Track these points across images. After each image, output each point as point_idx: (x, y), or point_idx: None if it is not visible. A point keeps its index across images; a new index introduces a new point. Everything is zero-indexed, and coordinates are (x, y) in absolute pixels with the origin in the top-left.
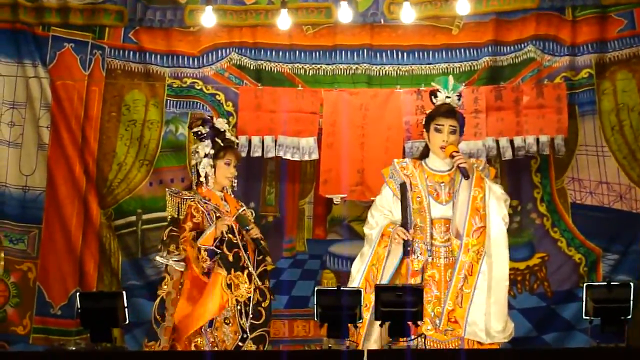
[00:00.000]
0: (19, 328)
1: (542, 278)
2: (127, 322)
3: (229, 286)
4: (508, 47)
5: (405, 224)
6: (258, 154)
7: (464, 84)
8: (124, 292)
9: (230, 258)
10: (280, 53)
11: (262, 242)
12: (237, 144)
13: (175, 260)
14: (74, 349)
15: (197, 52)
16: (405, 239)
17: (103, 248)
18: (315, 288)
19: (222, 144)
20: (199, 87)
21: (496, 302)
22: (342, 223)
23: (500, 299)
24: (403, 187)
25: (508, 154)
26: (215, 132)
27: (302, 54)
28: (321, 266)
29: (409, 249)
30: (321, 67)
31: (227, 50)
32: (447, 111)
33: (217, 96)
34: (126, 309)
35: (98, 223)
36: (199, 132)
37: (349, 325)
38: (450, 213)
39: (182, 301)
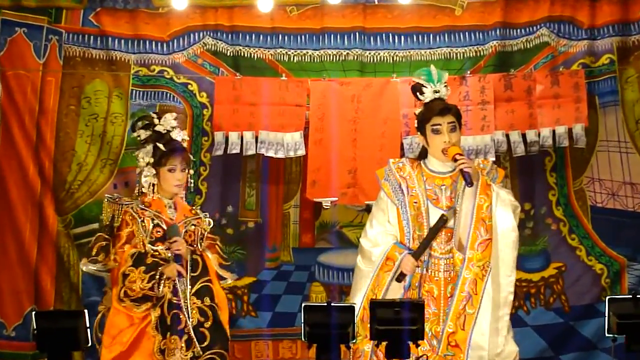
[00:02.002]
0: None
1: (558, 291)
2: (90, 344)
3: (161, 351)
4: (518, 30)
5: (419, 253)
6: (236, 151)
7: (468, 72)
8: (86, 311)
9: (168, 321)
10: (261, 37)
11: (184, 258)
12: (185, 141)
13: (100, 270)
14: None
15: (167, 37)
16: (412, 274)
17: (61, 260)
18: (303, 303)
19: (164, 149)
20: (168, 76)
21: (498, 322)
22: (333, 229)
23: (503, 320)
24: (442, 219)
25: (520, 150)
26: (157, 136)
27: (286, 38)
28: (309, 278)
29: (402, 279)
30: (307, 53)
31: (201, 34)
32: (443, 109)
33: (189, 86)
34: (88, 330)
35: (55, 231)
36: (139, 137)
37: (341, 345)
38: (451, 221)
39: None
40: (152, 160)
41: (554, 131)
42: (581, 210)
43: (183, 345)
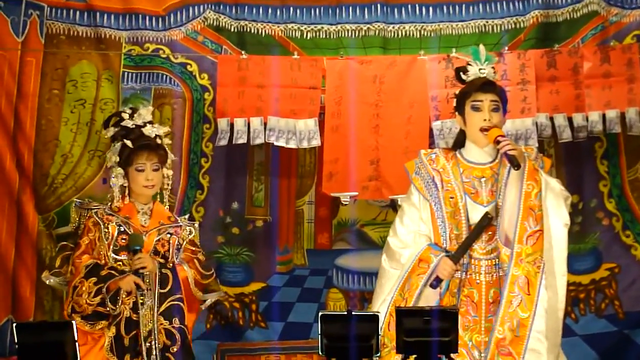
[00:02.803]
0: None
1: (611, 296)
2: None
3: None
4: None
5: (458, 256)
6: (243, 140)
7: (506, 48)
8: (74, 322)
9: (126, 342)
10: (270, 10)
11: (150, 273)
12: (161, 137)
13: (62, 283)
14: None
15: (162, 11)
16: (450, 278)
17: (42, 264)
18: (319, 312)
19: (130, 147)
20: (164, 56)
21: (553, 328)
22: (352, 228)
23: (554, 326)
24: (486, 218)
25: (566, 135)
26: (125, 132)
27: (298, 11)
28: (326, 284)
29: (438, 285)
30: (322, 28)
31: (201, 8)
32: (485, 84)
33: (188, 66)
34: (76, 343)
35: (35, 232)
36: (107, 135)
37: None
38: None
39: None
40: (117, 159)
41: (604, 115)
42: (637, 203)
43: None
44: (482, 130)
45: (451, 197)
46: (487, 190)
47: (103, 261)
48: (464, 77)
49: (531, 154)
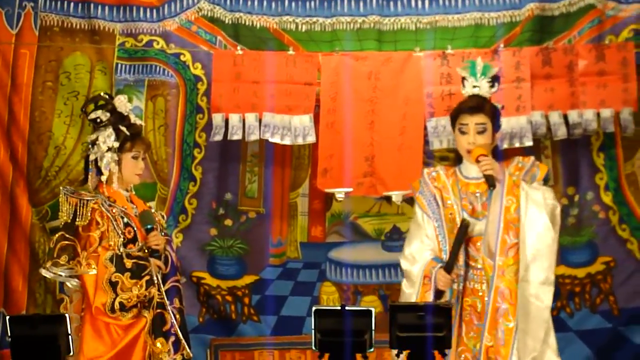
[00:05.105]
0: None
1: (606, 290)
2: (72, 353)
3: (149, 357)
4: None
5: (449, 265)
6: (238, 136)
7: (501, 45)
8: (67, 315)
9: (155, 322)
10: (265, 3)
11: (161, 253)
12: (142, 126)
13: (65, 276)
14: None
15: (157, 2)
16: (444, 289)
17: (35, 257)
18: (313, 307)
19: (127, 133)
20: (158, 47)
21: (543, 339)
22: (346, 220)
23: (537, 332)
24: (463, 225)
25: (561, 132)
26: (119, 118)
27: (293, 4)
28: (319, 277)
29: (442, 296)
30: (317, 21)
31: None
32: (472, 107)
33: (181, 56)
34: (70, 337)
35: (29, 225)
36: (98, 119)
37: (357, 355)
38: (482, 227)
39: (88, 342)
40: (116, 144)
41: (598, 113)
42: (633, 196)
43: (170, 348)
44: (468, 152)
45: (450, 214)
46: (482, 204)
47: (119, 252)
48: (462, 90)
49: (526, 163)
